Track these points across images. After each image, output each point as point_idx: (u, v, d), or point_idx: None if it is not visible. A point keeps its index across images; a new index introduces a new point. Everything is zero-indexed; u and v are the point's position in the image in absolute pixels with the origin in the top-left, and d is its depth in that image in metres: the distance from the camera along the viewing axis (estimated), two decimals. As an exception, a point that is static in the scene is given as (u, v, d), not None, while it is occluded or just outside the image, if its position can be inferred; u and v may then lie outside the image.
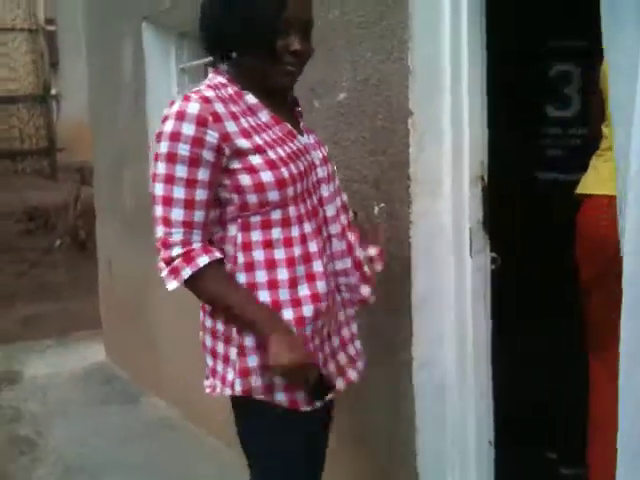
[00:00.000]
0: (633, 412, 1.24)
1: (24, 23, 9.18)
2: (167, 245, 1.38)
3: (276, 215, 1.40)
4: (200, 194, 1.37)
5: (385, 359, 1.98)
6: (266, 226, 1.40)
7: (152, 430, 3.23)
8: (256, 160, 1.38)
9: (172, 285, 1.38)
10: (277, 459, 1.48)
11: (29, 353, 4.47)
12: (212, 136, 1.35)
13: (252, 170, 1.38)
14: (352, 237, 1.57)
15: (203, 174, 1.36)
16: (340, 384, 1.53)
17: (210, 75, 1.49)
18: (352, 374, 1.56)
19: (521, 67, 3.05)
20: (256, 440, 1.49)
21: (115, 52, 3.81)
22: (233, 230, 1.42)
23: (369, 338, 1.71)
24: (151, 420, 3.34)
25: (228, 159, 1.38)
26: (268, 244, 1.40)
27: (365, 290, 1.58)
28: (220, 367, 1.46)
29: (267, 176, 1.38)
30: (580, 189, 2.04)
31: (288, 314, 1.40)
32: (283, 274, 1.40)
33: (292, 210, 1.42)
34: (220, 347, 1.45)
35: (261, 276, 1.40)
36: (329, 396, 1.49)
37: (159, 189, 1.37)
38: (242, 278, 1.41)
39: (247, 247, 1.41)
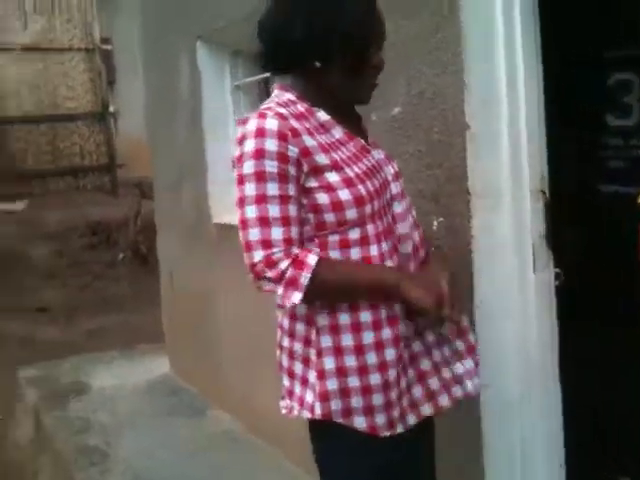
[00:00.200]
0: None
1: (81, 43, 9.50)
2: (272, 264, 1.31)
3: (354, 234, 1.37)
4: (293, 209, 1.34)
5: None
6: (344, 245, 1.37)
7: (217, 443, 3.26)
8: (333, 178, 1.35)
9: (296, 297, 1.31)
10: None
11: (95, 365, 4.57)
12: (293, 151, 1.33)
13: (330, 188, 1.35)
14: (423, 254, 1.55)
15: (292, 189, 1.33)
16: (427, 410, 1.47)
17: (276, 92, 1.46)
18: (443, 400, 1.49)
19: (579, 76, 2.98)
20: (333, 464, 1.46)
21: (171, 70, 3.90)
22: None
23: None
24: (216, 433, 3.37)
25: (305, 176, 1.35)
26: None
27: None
28: (298, 388, 1.44)
29: (345, 194, 1.35)
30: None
31: (369, 336, 1.38)
32: None
33: (370, 228, 1.38)
34: (298, 368, 1.43)
35: None
36: (412, 421, 1.44)
37: (251, 211, 1.32)
38: None
39: None
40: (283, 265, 1.31)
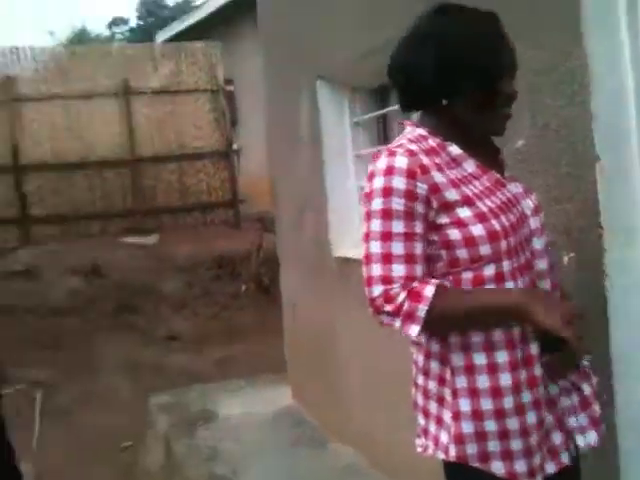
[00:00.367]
0: None
1: (206, 84, 9.99)
2: (390, 298, 1.32)
3: (489, 270, 1.35)
4: (418, 247, 1.34)
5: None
6: (478, 282, 1.35)
7: (340, 476, 3.27)
8: (465, 213, 1.34)
9: (414, 330, 1.31)
10: None
11: (222, 393, 4.69)
12: (422, 188, 1.33)
13: (461, 224, 1.34)
14: (559, 295, 1.50)
15: (419, 227, 1.33)
16: (551, 468, 1.41)
17: (408, 128, 1.47)
18: (565, 457, 1.43)
19: None
20: None
21: (291, 108, 4.03)
22: None
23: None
24: (339, 466, 3.38)
25: (436, 213, 1.34)
26: None
27: None
28: (432, 427, 1.43)
29: (478, 229, 1.33)
30: None
31: (506, 378, 1.35)
32: (499, 333, 1.36)
33: (506, 265, 1.36)
34: (433, 407, 1.43)
35: (477, 334, 1.36)
36: (551, 469, 1.39)
37: (375, 247, 1.34)
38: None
39: None
40: (400, 298, 1.31)
